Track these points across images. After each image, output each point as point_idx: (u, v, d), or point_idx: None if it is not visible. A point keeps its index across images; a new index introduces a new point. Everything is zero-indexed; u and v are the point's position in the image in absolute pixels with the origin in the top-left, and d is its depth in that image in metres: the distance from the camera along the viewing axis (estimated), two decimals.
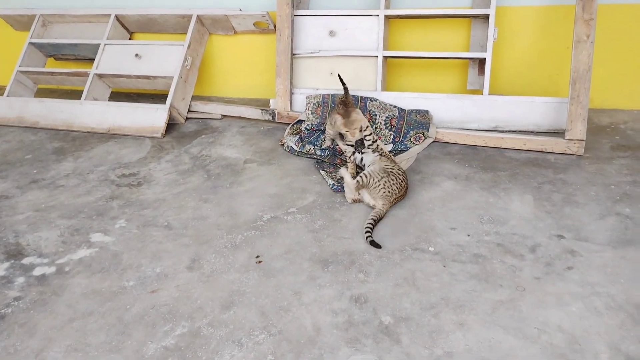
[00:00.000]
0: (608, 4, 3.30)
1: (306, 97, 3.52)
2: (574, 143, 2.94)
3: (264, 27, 3.92)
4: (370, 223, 2.32)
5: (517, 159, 2.96)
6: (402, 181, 2.53)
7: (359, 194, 2.56)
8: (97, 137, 3.56)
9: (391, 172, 2.52)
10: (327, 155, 3.09)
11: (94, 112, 3.72)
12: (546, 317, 1.78)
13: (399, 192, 2.50)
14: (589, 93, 2.94)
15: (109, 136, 3.56)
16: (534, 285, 1.94)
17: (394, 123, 3.24)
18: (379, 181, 2.48)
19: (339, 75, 3.09)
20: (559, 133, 3.14)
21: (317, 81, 3.65)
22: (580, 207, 2.43)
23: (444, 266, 2.07)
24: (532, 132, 3.25)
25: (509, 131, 3.27)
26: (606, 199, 2.48)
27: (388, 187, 2.47)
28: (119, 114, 3.67)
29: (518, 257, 2.11)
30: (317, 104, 3.43)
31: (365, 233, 2.28)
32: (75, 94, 3.92)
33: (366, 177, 2.51)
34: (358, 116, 2.72)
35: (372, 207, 2.49)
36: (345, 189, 2.62)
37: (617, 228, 2.25)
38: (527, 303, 1.85)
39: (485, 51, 3.30)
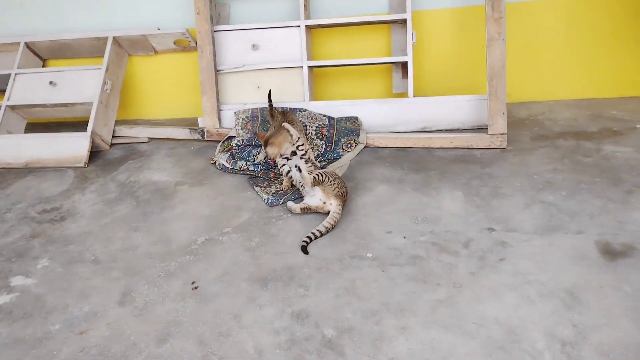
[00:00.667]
0: (515, 2, 3.47)
1: (234, 112, 3.47)
2: (497, 137, 3.05)
3: (185, 44, 3.83)
4: (318, 230, 2.33)
5: (446, 157, 3.04)
6: (344, 186, 2.55)
7: (308, 191, 2.57)
8: (14, 172, 3.34)
9: (336, 177, 2.54)
10: (261, 169, 3.04)
11: (8, 146, 3.49)
12: (483, 311, 1.82)
13: (345, 195, 2.52)
14: (506, 88, 3.07)
15: (28, 170, 3.36)
16: (470, 280, 1.98)
17: (324, 132, 3.25)
18: (333, 180, 2.50)
19: (269, 94, 3.09)
20: (482, 129, 3.25)
21: (244, 96, 3.60)
22: (507, 198, 2.52)
23: (383, 271, 2.07)
24: (457, 129, 3.35)
25: (437, 131, 3.36)
26: (530, 188, 2.58)
27: (341, 188, 2.50)
28: (37, 146, 3.46)
29: (453, 254, 2.14)
30: (246, 119, 3.39)
31: (305, 238, 2.27)
32: None
33: (321, 175, 2.51)
34: (283, 137, 2.71)
35: (323, 212, 2.50)
36: (289, 204, 2.59)
37: (543, 216, 2.34)
38: (464, 299, 1.88)
39: (406, 55, 3.38)
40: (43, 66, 4.07)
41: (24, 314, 1.99)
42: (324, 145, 3.21)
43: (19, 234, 2.58)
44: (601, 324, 1.71)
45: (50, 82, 3.69)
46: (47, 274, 2.22)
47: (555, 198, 2.47)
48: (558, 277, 1.94)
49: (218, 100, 3.55)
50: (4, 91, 3.80)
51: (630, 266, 1.97)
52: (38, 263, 2.31)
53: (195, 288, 2.06)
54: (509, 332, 1.71)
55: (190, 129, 3.63)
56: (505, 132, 3.04)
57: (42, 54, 4.03)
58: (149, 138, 3.72)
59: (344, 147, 3.19)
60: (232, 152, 3.24)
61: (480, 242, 2.20)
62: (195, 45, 3.74)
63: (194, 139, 3.63)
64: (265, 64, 3.56)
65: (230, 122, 3.56)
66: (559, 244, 2.13)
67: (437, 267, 2.07)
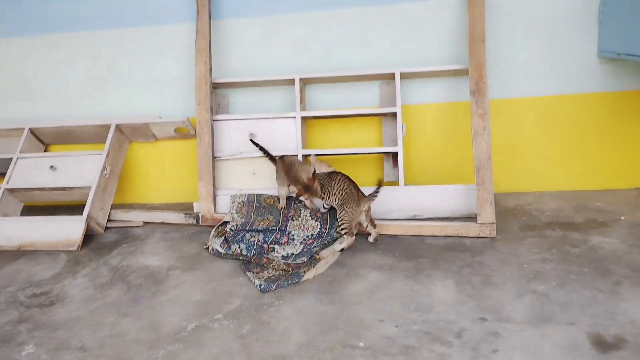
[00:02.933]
0: (499, 98, 3.68)
1: (231, 196, 3.54)
2: (486, 226, 3.11)
3: (185, 132, 3.98)
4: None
5: (437, 245, 3.08)
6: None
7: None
8: (5, 255, 3.34)
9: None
10: (254, 255, 3.07)
11: (3, 229, 3.51)
12: None
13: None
14: (492, 179, 3.18)
15: (20, 253, 3.36)
16: None
17: (318, 215, 3.31)
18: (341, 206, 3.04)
19: (251, 140, 3.34)
20: (472, 217, 3.33)
21: (240, 182, 3.70)
22: (498, 287, 2.54)
23: None
24: (448, 218, 3.42)
25: (427, 219, 3.43)
26: (521, 277, 2.61)
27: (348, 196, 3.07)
28: (31, 229, 3.48)
29: (446, 344, 2.13)
30: (242, 203, 3.46)
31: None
32: None
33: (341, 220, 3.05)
34: (316, 185, 3.15)
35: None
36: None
37: (534, 306, 2.35)
38: None
39: (397, 145, 3.53)
40: (45, 151, 4.19)
41: None
42: (319, 226, 3.26)
43: (7, 318, 2.53)
44: None
45: (51, 167, 3.79)
46: None
47: (545, 288, 2.49)
48: None
49: (214, 185, 3.64)
50: (2, 174, 3.89)
51: (623, 359, 1.96)
52: (23, 349, 2.26)
53: None
54: None
55: (185, 213, 3.68)
56: (494, 221, 3.11)
57: (45, 140, 4.16)
58: (144, 222, 3.76)
59: (338, 230, 3.23)
60: (225, 236, 3.27)
61: (472, 332, 2.19)
62: (194, 133, 3.89)
63: (189, 224, 3.67)
64: (261, 152, 3.69)
65: (225, 207, 3.62)
66: (551, 335, 2.13)
67: (429, 357, 2.05)
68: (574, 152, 3.74)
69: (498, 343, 2.11)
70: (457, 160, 3.81)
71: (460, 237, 3.14)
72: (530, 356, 2.01)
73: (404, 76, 3.62)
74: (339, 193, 3.08)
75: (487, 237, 3.10)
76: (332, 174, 3.19)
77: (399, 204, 3.48)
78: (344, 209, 3.04)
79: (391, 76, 3.63)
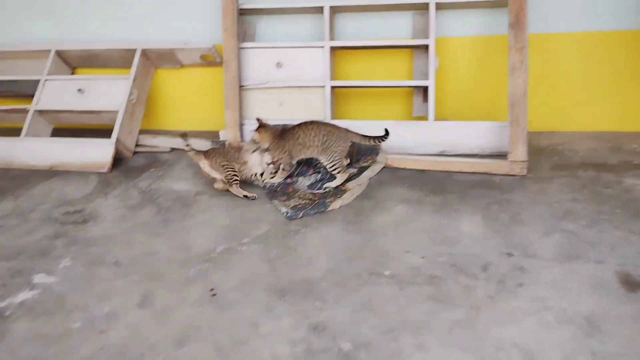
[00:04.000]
0: (538, 33, 3.51)
1: None
2: (517, 164, 3.06)
3: (211, 60, 3.92)
4: None
5: (465, 181, 3.05)
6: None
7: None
8: (39, 175, 3.41)
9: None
10: (279, 185, 3.08)
11: (35, 149, 3.57)
12: (501, 334, 1.81)
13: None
14: (527, 116, 3.09)
15: (52, 173, 3.42)
16: (488, 303, 1.98)
17: None
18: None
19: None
20: (502, 155, 3.26)
21: (266, 112, 3.65)
22: (527, 225, 2.52)
23: (401, 289, 2.08)
24: (477, 155, 3.36)
25: (455, 155, 3.38)
26: (550, 216, 2.58)
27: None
28: (63, 150, 3.54)
29: (471, 276, 2.15)
30: None
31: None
32: (15, 132, 3.76)
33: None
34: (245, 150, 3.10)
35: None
36: None
37: (563, 244, 2.34)
38: (482, 322, 1.88)
39: (428, 79, 3.43)
40: (72, 74, 4.18)
41: (45, 310, 2.01)
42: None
43: (42, 233, 2.62)
44: (621, 354, 1.70)
45: (79, 90, 3.78)
46: (68, 274, 2.25)
47: (575, 227, 2.47)
48: (577, 305, 1.94)
49: (241, 114, 3.62)
50: (32, 96, 3.90)
51: None
52: (60, 263, 2.35)
53: (214, 295, 2.08)
54: (527, 357, 1.70)
55: (211, 141, 3.69)
56: (526, 159, 3.05)
57: (71, 62, 4.14)
58: (171, 148, 3.79)
59: (362, 164, 3.21)
60: None
61: (499, 267, 2.20)
62: (220, 60, 3.82)
63: None
64: (288, 82, 3.63)
65: (250, 136, 3.61)
66: (579, 272, 2.13)
67: (455, 288, 2.07)
68: (612, 92, 3.60)
69: (524, 278, 2.12)
70: (490, 97, 3.70)
71: (489, 174, 3.10)
72: (556, 291, 2.02)
73: (439, 6, 3.45)
74: (316, 142, 2.96)
75: (517, 175, 3.05)
76: (298, 128, 3.01)
77: (427, 139, 3.42)
78: (332, 152, 2.96)
79: (425, 6, 3.46)
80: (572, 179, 2.96)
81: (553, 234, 2.42)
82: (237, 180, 2.96)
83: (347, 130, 2.99)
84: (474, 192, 2.90)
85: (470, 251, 2.32)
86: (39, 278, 2.23)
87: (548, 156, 3.32)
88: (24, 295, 2.12)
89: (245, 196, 2.92)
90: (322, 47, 3.57)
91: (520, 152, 3.06)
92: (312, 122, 3.00)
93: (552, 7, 3.50)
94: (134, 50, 3.87)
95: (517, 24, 3.12)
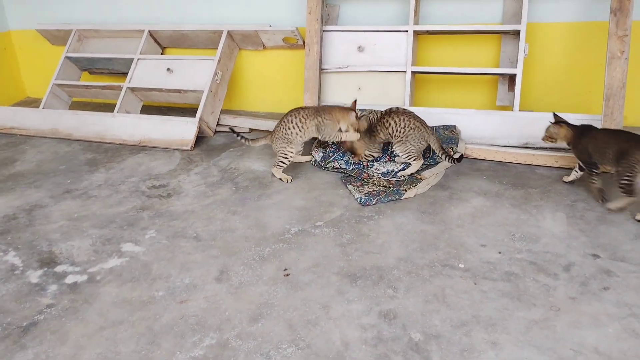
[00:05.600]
0: None
1: None
2: None
3: (293, 42, 3.96)
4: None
5: (549, 176, 2.91)
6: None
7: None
8: (128, 149, 3.63)
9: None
10: (353, 169, 3.08)
11: (125, 125, 3.80)
12: (582, 337, 1.73)
13: None
14: (623, 110, 2.89)
15: (140, 148, 3.63)
16: (569, 305, 1.89)
17: None
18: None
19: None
20: None
21: (345, 96, 3.66)
22: (616, 226, 2.37)
23: (475, 283, 2.03)
24: (563, 149, 3.18)
25: (540, 148, 3.22)
26: None
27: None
28: (150, 127, 3.73)
29: (552, 275, 2.06)
30: None
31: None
32: (108, 107, 4.01)
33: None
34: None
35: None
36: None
37: None
38: (562, 323, 1.80)
39: (516, 67, 3.28)
40: (162, 54, 4.38)
41: (132, 277, 2.16)
42: None
43: (131, 205, 2.79)
44: None
45: (168, 69, 3.96)
46: (153, 244, 2.39)
47: None
48: None
49: (319, 98, 3.64)
50: (124, 74, 4.14)
51: None
52: (146, 233, 2.49)
53: (287, 275, 2.13)
54: None
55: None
56: None
57: (162, 42, 4.33)
58: (250, 129, 3.89)
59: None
60: (326, 149, 3.30)
61: (582, 268, 2.09)
62: (302, 43, 3.85)
63: None
64: (368, 67, 3.60)
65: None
66: None
67: (533, 286, 2.00)
68: None
69: (610, 281, 2.00)
70: (582, 88, 3.48)
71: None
72: None
73: None
74: (400, 130, 2.92)
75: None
76: (389, 117, 2.97)
77: (510, 130, 3.29)
78: (410, 146, 2.92)
79: None
80: None
81: None
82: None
83: (431, 133, 2.93)
84: (559, 187, 2.76)
85: (552, 250, 2.22)
86: (127, 247, 2.39)
87: None
88: (114, 262, 2.27)
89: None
90: (406, 31, 3.50)
91: None
92: (404, 112, 2.97)
93: None
94: (220, 32, 3.99)
95: (620, 9, 2.90)
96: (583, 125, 2.71)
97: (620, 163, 2.45)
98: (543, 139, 2.81)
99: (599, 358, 1.64)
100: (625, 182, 2.43)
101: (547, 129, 2.78)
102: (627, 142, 2.46)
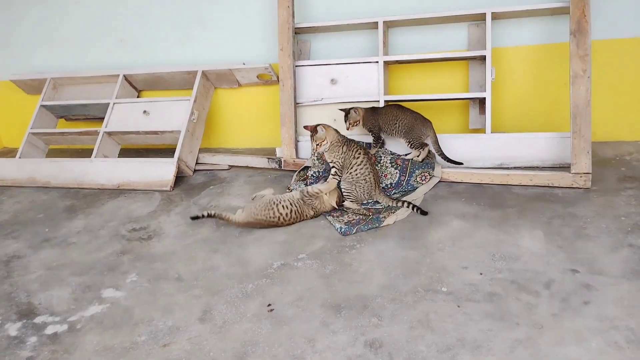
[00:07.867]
0: (600, 39, 3.38)
1: None
2: (580, 176, 2.94)
3: (267, 79, 4.03)
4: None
5: (525, 194, 2.96)
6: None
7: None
8: (107, 193, 3.61)
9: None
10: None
11: (104, 169, 3.79)
12: (566, 354, 1.74)
13: None
14: (591, 126, 2.97)
15: (119, 192, 3.62)
16: (552, 322, 1.90)
17: (399, 162, 3.27)
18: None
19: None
20: (564, 167, 3.15)
21: None
22: (592, 240, 2.41)
23: (458, 306, 2.04)
24: (537, 167, 3.26)
25: (514, 167, 3.29)
26: (617, 230, 2.46)
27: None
28: (129, 170, 3.73)
29: (533, 293, 2.08)
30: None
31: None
32: (86, 153, 4.01)
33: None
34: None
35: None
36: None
37: (631, 260, 2.22)
38: (545, 341, 1.81)
39: (485, 91, 3.37)
40: (138, 97, 4.41)
41: (113, 323, 2.12)
42: (397, 175, 3.23)
43: (111, 249, 2.77)
44: None
45: (144, 111, 3.99)
46: (135, 288, 2.36)
47: None
48: None
49: (296, 131, 3.68)
50: (100, 119, 4.15)
51: None
52: (127, 278, 2.47)
53: (271, 310, 2.11)
54: None
55: (268, 158, 3.78)
56: (590, 171, 2.93)
57: (137, 86, 4.37)
58: (229, 166, 3.91)
59: (417, 179, 3.19)
60: (306, 182, 3.33)
61: (562, 283, 2.12)
62: (276, 79, 3.92)
63: (271, 168, 3.77)
64: (342, 98, 3.67)
65: (306, 152, 3.67)
66: None
67: (515, 306, 2.01)
68: None
69: (590, 296, 2.03)
70: (549, 108, 3.59)
71: (550, 187, 3.00)
72: (625, 310, 1.92)
73: (495, 16, 3.40)
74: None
75: (581, 188, 2.93)
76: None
77: (484, 152, 3.36)
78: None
79: (481, 16, 3.43)
80: None
81: (621, 249, 2.31)
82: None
83: (380, 191, 3.01)
84: (535, 205, 2.81)
85: (532, 267, 2.25)
86: (107, 292, 2.35)
87: (614, 167, 3.17)
88: (94, 309, 2.24)
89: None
90: (377, 62, 3.60)
91: (583, 164, 2.94)
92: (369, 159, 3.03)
93: (616, 11, 3.36)
94: (195, 72, 4.04)
95: (579, 30, 3.02)
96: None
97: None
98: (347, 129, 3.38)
99: None
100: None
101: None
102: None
